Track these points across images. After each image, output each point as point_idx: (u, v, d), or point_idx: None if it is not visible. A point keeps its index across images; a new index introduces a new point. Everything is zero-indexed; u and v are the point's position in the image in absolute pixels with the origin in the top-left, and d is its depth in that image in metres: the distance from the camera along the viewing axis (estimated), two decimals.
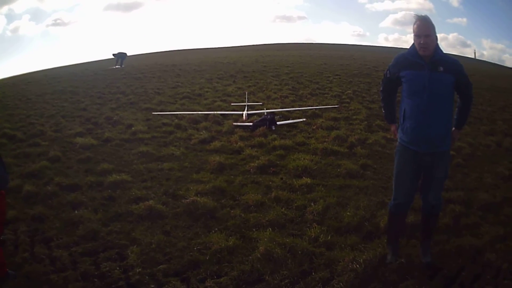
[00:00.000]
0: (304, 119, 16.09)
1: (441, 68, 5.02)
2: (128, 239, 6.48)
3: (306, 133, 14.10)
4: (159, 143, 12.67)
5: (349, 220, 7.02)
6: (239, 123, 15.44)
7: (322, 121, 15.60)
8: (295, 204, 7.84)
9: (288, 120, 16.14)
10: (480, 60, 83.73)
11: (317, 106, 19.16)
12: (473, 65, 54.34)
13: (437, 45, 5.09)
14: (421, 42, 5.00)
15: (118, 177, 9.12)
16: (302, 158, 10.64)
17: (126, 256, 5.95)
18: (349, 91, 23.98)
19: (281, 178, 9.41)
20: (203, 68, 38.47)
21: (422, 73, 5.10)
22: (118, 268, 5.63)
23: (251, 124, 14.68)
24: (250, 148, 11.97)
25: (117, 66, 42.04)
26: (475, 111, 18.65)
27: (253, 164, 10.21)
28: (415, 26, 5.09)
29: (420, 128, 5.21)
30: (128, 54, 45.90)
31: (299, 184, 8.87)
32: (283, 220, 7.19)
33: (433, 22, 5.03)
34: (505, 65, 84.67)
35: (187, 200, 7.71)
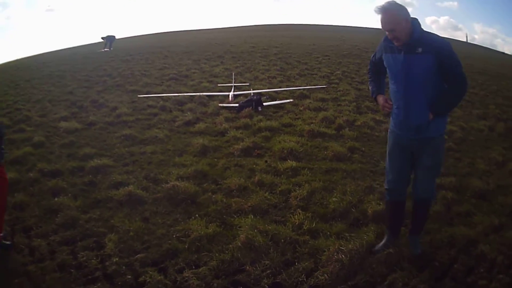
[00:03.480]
0: (291, 100, 15.90)
1: (419, 50, 4.68)
2: (106, 227, 6.27)
3: (293, 114, 13.89)
4: (143, 126, 12.43)
5: (335, 206, 6.78)
6: (224, 104, 15.21)
7: (310, 102, 15.39)
8: (279, 189, 7.61)
9: (275, 101, 15.92)
10: (472, 43, 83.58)
11: (305, 86, 18.93)
12: (465, 48, 54.18)
13: (413, 27, 4.71)
14: (389, 36, 4.80)
15: (99, 161, 8.90)
16: (288, 140, 10.39)
17: (103, 244, 5.73)
18: (338, 72, 23.86)
19: (266, 161, 9.19)
20: (191, 50, 38.11)
21: (398, 56, 4.85)
22: (95, 258, 5.42)
23: (237, 105, 14.46)
24: (235, 129, 11.74)
25: (105, 49, 41.74)
26: (467, 94, 18.30)
27: (237, 147, 9.99)
28: (379, 19, 4.78)
29: (401, 113, 5.04)
30: (116, 37, 45.61)
31: (284, 167, 8.65)
32: (266, 205, 6.95)
33: (398, 7, 4.65)
34: (497, 49, 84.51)
35: (168, 185, 7.46)
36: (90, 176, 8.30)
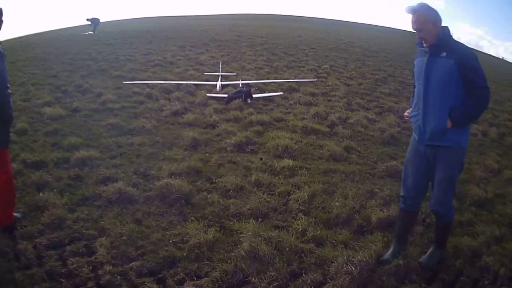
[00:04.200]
0: (281, 93, 15.51)
1: (444, 54, 4.65)
2: (96, 229, 5.79)
3: (283, 108, 13.57)
4: (129, 114, 11.93)
5: (338, 211, 6.42)
6: (213, 94, 14.81)
7: (300, 96, 15.11)
8: (278, 190, 7.23)
9: (264, 93, 15.53)
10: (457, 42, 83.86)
11: (294, 79, 18.57)
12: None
13: (441, 30, 4.71)
14: (417, 36, 4.81)
15: (85, 153, 8.34)
16: (281, 136, 10.03)
17: (94, 249, 5.27)
18: (326, 66, 23.61)
19: (261, 159, 8.79)
20: (176, 35, 37.51)
21: (424, 59, 4.83)
22: (86, 265, 4.95)
23: (225, 96, 14.06)
24: (225, 122, 11.38)
25: (90, 32, 40.94)
26: None
27: (229, 141, 9.61)
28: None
29: (419, 116, 5.00)
30: (101, 20, 44.88)
31: (280, 166, 8.27)
32: (266, 208, 6.56)
33: (427, 9, 4.68)
34: (482, 50, 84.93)
35: (160, 183, 6.98)
36: (76, 169, 7.77)
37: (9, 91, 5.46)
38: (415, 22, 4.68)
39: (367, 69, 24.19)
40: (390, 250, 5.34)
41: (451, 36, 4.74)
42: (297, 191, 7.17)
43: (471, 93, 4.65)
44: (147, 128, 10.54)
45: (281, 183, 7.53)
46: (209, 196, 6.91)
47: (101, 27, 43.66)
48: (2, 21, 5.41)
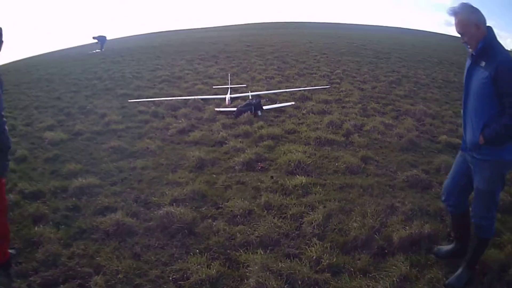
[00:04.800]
0: (293, 103, 14.84)
1: (483, 63, 4.36)
2: (91, 265, 5.36)
3: (296, 119, 12.91)
4: (133, 135, 11.46)
5: (356, 232, 5.87)
6: (221, 109, 14.21)
7: (313, 104, 14.44)
8: (290, 212, 6.64)
9: (275, 103, 14.91)
10: None
11: (306, 87, 17.95)
12: (459, 44, 53.62)
13: (485, 35, 4.39)
14: (461, 40, 4.57)
15: (84, 180, 7.90)
16: (293, 150, 9.43)
17: None
18: (339, 71, 22.85)
19: (271, 177, 8.17)
20: (184, 49, 36.92)
21: (468, 65, 4.63)
22: None
23: (234, 109, 13.47)
24: (234, 138, 10.80)
25: (97, 50, 40.76)
26: None
27: (238, 159, 9.00)
28: None
29: (462, 125, 4.86)
30: (108, 38, 44.69)
31: (292, 184, 7.65)
32: (277, 234, 5.99)
33: (469, 11, 4.41)
34: None
35: (161, 212, 6.48)
36: (74, 198, 7.34)
37: (4, 119, 5.20)
38: (457, 25, 4.46)
39: (381, 71, 23.49)
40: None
41: (495, 40, 4.41)
42: (311, 212, 6.62)
43: (503, 105, 4.29)
44: (151, 149, 10.04)
45: (294, 204, 6.93)
46: (214, 223, 6.38)
47: (108, 45, 43.56)
48: (2, 41, 5.13)
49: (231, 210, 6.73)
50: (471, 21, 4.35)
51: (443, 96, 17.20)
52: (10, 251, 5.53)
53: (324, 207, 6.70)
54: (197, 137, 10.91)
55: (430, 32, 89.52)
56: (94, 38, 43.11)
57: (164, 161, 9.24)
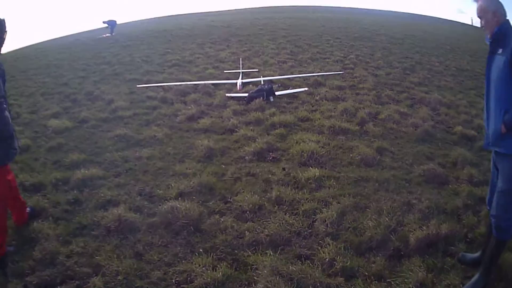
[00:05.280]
0: (306, 89, 14.45)
1: (500, 50, 4.30)
2: (90, 265, 5.07)
3: (309, 106, 12.53)
4: (140, 122, 11.12)
5: (371, 232, 5.57)
6: (232, 94, 13.84)
7: (326, 91, 14.09)
8: (302, 208, 6.28)
9: (288, 89, 14.50)
10: (477, 27, 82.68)
11: (319, 72, 17.57)
12: (472, 31, 53.46)
13: (501, 23, 4.36)
14: (480, 26, 4.56)
15: (87, 172, 7.59)
16: (307, 140, 9.08)
17: None
18: (352, 56, 22.59)
19: (283, 169, 7.79)
20: (195, 33, 36.48)
21: (487, 58, 4.56)
22: None
23: (246, 95, 13.12)
24: (245, 125, 10.46)
25: (107, 35, 40.50)
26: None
27: (248, 149, 8.65)
28: None
29: (485, 119, 4.61)
30: (118, 22, 44.39)
31: (305, 177, 7.26)
32: (288, 233, 5.66)
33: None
34: None
35: (165, 207, 6.13)
36: (75, 191, 7.03)
37: (4, 105, 5.12)
38: (477, 9, 4.46)
39: (394, 57, 23.16)
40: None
41: (510, 30, 4.33)
42: (325, 208, 6.28)
43: None
44: (158, 137, 9.69)
45: (306, 199, 6.57)
46: (221, 220, 6.03)
47: (119, 29, 43.23)
48: (5, 31, 5.21)
49: (240, 205, 6.38)
50: (489, 8, 4.35)
51: (457, 84, 17.00)
52: (8, 248, 5.41)
53: (338, 203, 6.37)
54: (207, 124, 10.58)
55: (442, 19, 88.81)
56: (104, 22, 42.88)
57: (172, 150, 8.91)
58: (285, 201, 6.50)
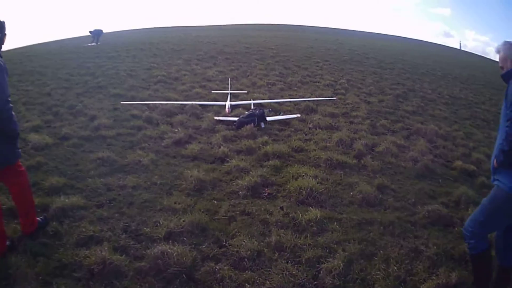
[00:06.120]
0: (298, 115, 14.00)
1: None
2: None
3: (302, 134, 12.06)
4: (124, 144, 10.48)
5: (380, 285, 5.19)
6: (221, 118, 13.26)
7: (319, 118, 13.64)
8: (305, 256, 5.69)
9: (279, 114, 14.08)
10: (466, 51, 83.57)
11: (311, 97, 17.32)
12: (460, 56, 54.11)
13: None
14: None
15: (67, 200, 6.91)
16: (303, 174, 8.50)
17: None
18: (343, 81, 22.40)
19: (281, 208, 7.16)
20: (182, 48, 36.12)
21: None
22: None
23: (236, 119, 12.61)
24: (236, 154, 9.91)
25: (92, 44, 40.25)
26: (480, 112, 18.11)
27: (241, 182, 8.00)
28: None
29: None
30: (104, 31, 44.26)
31: (306, 219, 6.66)
32: (291, 285, 5.10)
33: (508, 47, 4.68)
34: (489, 57, 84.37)
35: (154, 251, 5.47)
36: (55, 222, 6.33)
37: (10, 105, 5.31)
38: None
39: (386, 83, 23.15)
40: None
41: None
42: (329, 256, 5.72)
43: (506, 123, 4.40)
44: (143, 163, 9.05)
45: (309, 245, 5.98)
46: (217, 268, 5.38)
47: (105, 38, 43.04)
48: (5, 34, 5.39)
49: (237, 251, 5.74)
50: (509, 56, 4.61)
51: (451, 114, 16.97)
52: (38, 218, 6.05)
53: (343, 250, 5.86)
54: (195, 150, 9.99)
55: (428, 42, 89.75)
56: (90, 32, 42.66)
57: (158, 180, 8.26)
58: (286, 247, 5.90)
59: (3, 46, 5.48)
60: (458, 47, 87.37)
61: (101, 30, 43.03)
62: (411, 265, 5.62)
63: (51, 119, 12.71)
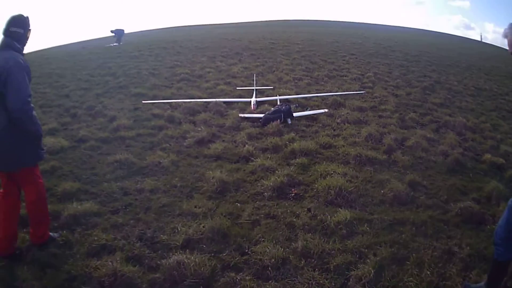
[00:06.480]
0: (326, 110, 13.56)
1: None
2: None
3: (330, 130, 11.64)
4: (144, 145, 10.17)
5: None
6: (246, 115, 12.90)
7: (347, 113, 13.21)
8: (334, 263, 5.27)
9: (306, 109, 13.69)
10: (487, 43, 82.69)
11: (339, 91, 16.94)
12: (482, 48, 53.54)
13: None
14: None
15: (80, 206, 6.60)
16: (332, 172, 8.12)
17: None
18: (370, 74, 22.06)
19: (308, 210, 6.73)
20: (206, 45, 35.93)
21: None
22: None
23: (261, 116, 12.22)
24: (261, 153, 9.55)
25: (114, 44, 40.17)
26: (505, 103, 17.64)
27: (267, 183, 7.61)
28: None
29: None
30: (126, 31, 44.40)
31: (335, 221, 6.24)
32: None
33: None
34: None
35: (170, 261, 5.10)
36: (66, 231, 6.03)
37: (32, 105, 5.14)
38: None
39: (412, 75, 22.76)
40: None
41: None
42: (359, 262, 5.33)
43: None
44: (163, 165, 8.69)
45: (338, 250, 5.57)
46: (238, 278, 4.98)
47: (127, 38, 43.15)
48: (29, 29, 5.40)
49: (260, 259, 5.33)
50: None
51: (478, 105, 16.57)
52: (51, 234, 5.82)
53: (374, 254, 5.45)
54: (219, 150, 9.62)
55: (450, 34, 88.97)
56: (111, 31, 42.65)
57: (178, 182, 7.89)
58: (313, 252, 5.47)
59: (27, 43, 5.45)
60: (479, 39, 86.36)
61: (123, 30, 43.00)
62: (445, 268, 5.27)
63: (69, 121, 12.50)
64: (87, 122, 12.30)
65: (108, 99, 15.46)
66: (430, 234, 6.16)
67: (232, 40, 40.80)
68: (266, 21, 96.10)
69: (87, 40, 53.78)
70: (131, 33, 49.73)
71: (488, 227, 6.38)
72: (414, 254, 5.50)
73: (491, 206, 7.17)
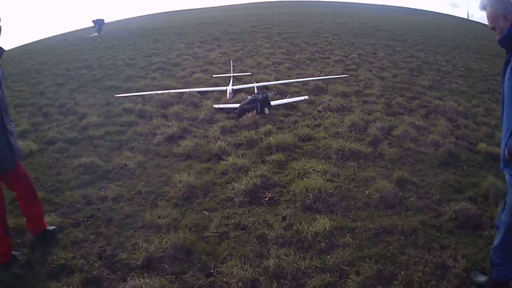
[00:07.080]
0: (306, 97, 12.91)
1: (509, 56, 3.82)
2: None
3: (310, 119, 11.02)
4: (111, 145, 9.64)
5: None
6: (221, 105, 12.30)
7: (330, 99, 12.59)
8: (310, 285, 4.71)
9: (285, 97, 13.09)
10: (474, 21, 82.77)
11: (321, 75, 16.32)
12: (468, 26, 53.56)
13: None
14: (495, 37, 4.06)
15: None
16: (311, 170, 7.50)
17: None
18: (354, 55, 21.42)
19: (283, 218, 6.13)
20: (185, 31, 35.58)
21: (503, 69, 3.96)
22: None
23: (237, 106, 11.64)
24: (235, 148, 9.01)
25: (95, 34, 39.78)
26: (497, 84, 16.41)
27: (238, 186, 7.02)
28: None
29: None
30: (106, 21, 43.67)
31: (312, 231, 5.65)
32: None
33: (495, 2, 3.97)
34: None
35: (129, 285, 4.65)
36: (26, 249, 5.64)
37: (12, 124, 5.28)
38: (488, 20, 4.09)
39: (399, 56, 22.15)
40: None
41: None
42: (339, 283, 4.77)
43: None
44: (129, 167, 8.14)
45: (315, 268, 4.98)
46: None
47: (108, 28, 42.73)
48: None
49: (226, 282, 4.78)
50: (498, 12, 3.95)
51: (468, 87, 15.96)
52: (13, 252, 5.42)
53: (357, 273, 4.89)
54: (189, 147, 9.05)
55: (435, 12, 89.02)
56: (93, 21, 42.11)
57: (143, 188, 7.34)
58: (287, 272, 4.90)
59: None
60: (466, 17, 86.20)
61: (103, 20, 42.43)
62: (437, 287, 4.75)
63: (40, 121, 12.02)
64: (58, 121, 11.84)
65: (82, 94, 15.01)
66: (421, 244, 5.57)
67: (212, 24, 40.45)
68: (249, 3, 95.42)
69: (69, 32, 53.19)
70: (112, 22, 49.23)
71: (486, 232, 5.84)
72: (402, 272, 4.94)
73: (488, 206, 6.60)
